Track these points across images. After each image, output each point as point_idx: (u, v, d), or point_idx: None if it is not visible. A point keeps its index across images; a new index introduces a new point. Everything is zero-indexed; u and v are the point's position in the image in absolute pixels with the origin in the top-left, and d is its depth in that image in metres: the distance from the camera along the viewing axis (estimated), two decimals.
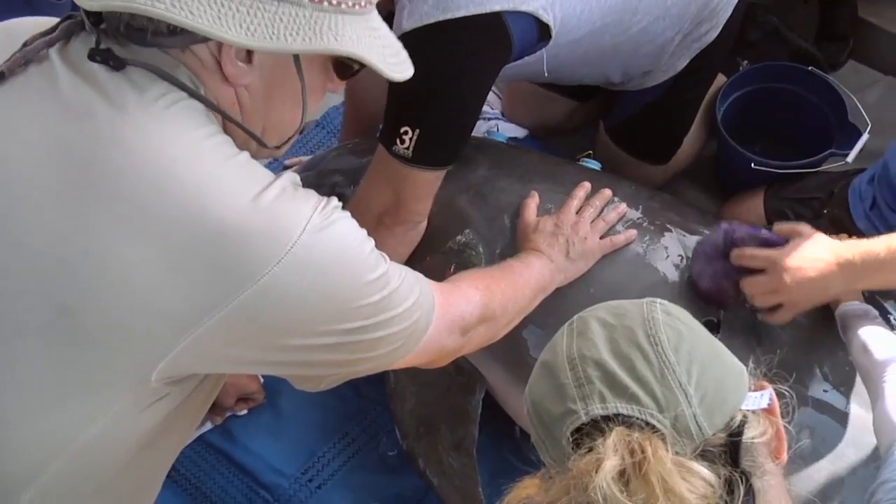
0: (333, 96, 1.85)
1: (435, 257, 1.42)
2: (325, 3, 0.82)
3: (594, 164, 1.57)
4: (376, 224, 1.33)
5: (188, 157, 0.81)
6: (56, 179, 0.81)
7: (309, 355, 0.89)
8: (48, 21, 0.88)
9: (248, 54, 0.85)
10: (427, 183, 1.32)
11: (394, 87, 1.22)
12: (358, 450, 1.50)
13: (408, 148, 1.25)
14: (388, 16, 1.29)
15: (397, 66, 0.90)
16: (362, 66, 0.90)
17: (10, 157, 0.82)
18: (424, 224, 1.40)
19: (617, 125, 1.72)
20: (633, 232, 1.36)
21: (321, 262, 0.84)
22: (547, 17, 1.27)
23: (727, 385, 0.72)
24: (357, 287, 0.88)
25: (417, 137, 1.24)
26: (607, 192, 1.39)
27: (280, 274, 0.81)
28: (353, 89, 1.73)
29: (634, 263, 1.34)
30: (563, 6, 1.29)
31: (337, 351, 0.90)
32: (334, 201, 0.89)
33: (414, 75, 1.20)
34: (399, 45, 0.93)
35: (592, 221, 1.34)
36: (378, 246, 1.25)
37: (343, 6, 0.84)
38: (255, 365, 0.89)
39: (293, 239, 0.81)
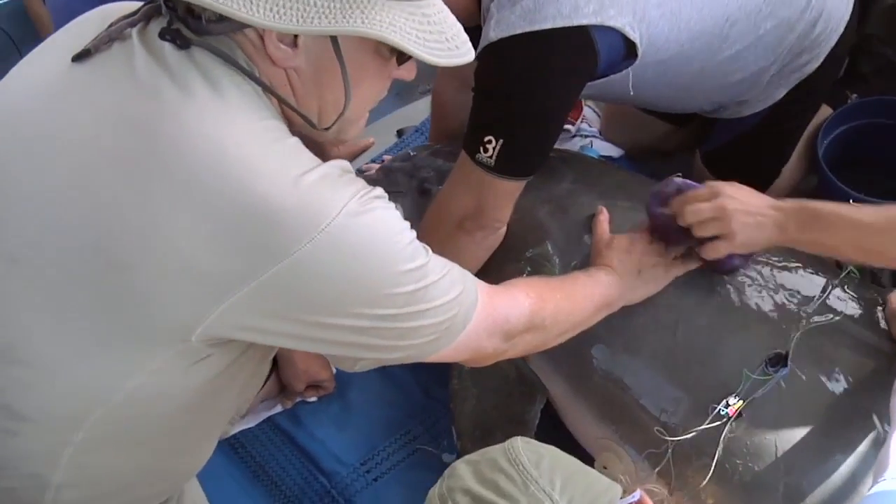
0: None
1: (511, 265, 1.44)
2: None
3: None
4: (457, 227, 1.38)
5: (240, 136, 0.86)
6: (118, 145, 0.87)
7: (339, 335, 0.92)
8: (136, 5, 0.96)
9: (294, 38, 0.89)
10: (508, 191, 1.35)
11: (479, 95, 1.31)
12: (418, 448, 1.52)
13: (491, 157, 1.28)
14: (477, 28, 1.35)
15: (443, 51, 0.91)
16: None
17: (80, 122, 0.90)
18: (503, 231, 1.43)
19: (712, 152, 1.71)
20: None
21: (355, 245, 0.87)
22: (633, 35, 1.28)
23: (596, 489, 0.79)
24: (390, 275, 0.91)
25: (501, 147, 1.27)
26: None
27: (313, 251, 0.85)
28: (439, 96, 1.78)
29: (701, 286, 1.31)
30: (650, 25, 1.30)
31: (368, 334, 0.93)
32: (377, 191, 0.92)
33: (499, 85, 1.28)
34: (456, 32, 0.93)
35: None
36: (457, 249, 1.35)
37: None
38: (287, 338, 0.92)
39: (328, 219, 0.85)
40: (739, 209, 1.20)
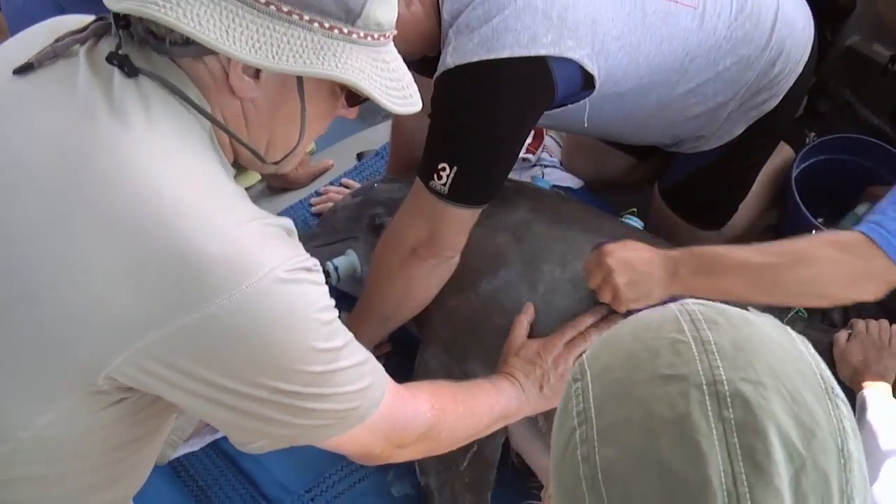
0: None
1: (462, 297, 1.46)
2: (336, 31, 0.87)
3: (636, 222, 1.60)
4: (410, 254, 1.39)
5: (175, 176, 0.85)
6: (46, 168, 0.85)
7: (237, 401, 0.89)
8: (88, 19, 0.94)
9: (257, 71, 0.90)
10: (462, 220, 1.37)
11: (435, 122, 1.32)
12: (365, 476, 1.52)
13: (444, 184, 1.30)
14: (425, 61, 1.38)
15: (400, 99, 0.94)
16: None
17: (13, 140, 0.88)
18: (457, 259, 1.44)
19: (670, 187, 1.75)
20: None
21: (272, 312, 0.85)
22: (592, 67, 1.32)
23: None
24: (303, 350, 0.89)
25: (455, 174, 1.29)
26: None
27: (228, 308, 0.82)
28: (399, 125, 1.79)
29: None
30: (608, 58, 1.33)
31: (265, 406, 0.90)
32: (310, 263, 0.90)
33: (453, 112, 1.29)
34: (410, 81, 0.97)
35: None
36: (409, 276, 1.40)
37: (354, 36, 0.88)
38: (187, 395, 0.88)
39: (252, 279, 0.83)
40: (621, 268, 1.25)
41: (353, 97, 0.97)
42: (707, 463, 0.53)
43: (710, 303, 0.62)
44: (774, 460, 0.53)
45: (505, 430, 1.43)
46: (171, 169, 0.85)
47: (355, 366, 0.95)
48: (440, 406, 1.12)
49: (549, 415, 1.33)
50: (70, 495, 1.00)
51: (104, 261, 0.82)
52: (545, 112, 1.37)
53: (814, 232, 1.53)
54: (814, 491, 0.53)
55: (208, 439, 1.56)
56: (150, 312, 0.82)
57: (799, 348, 0.60)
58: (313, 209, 1.93)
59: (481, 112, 1.29)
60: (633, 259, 1.26)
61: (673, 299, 0.70)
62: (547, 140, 2.08)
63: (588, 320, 1.36)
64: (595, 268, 1.29)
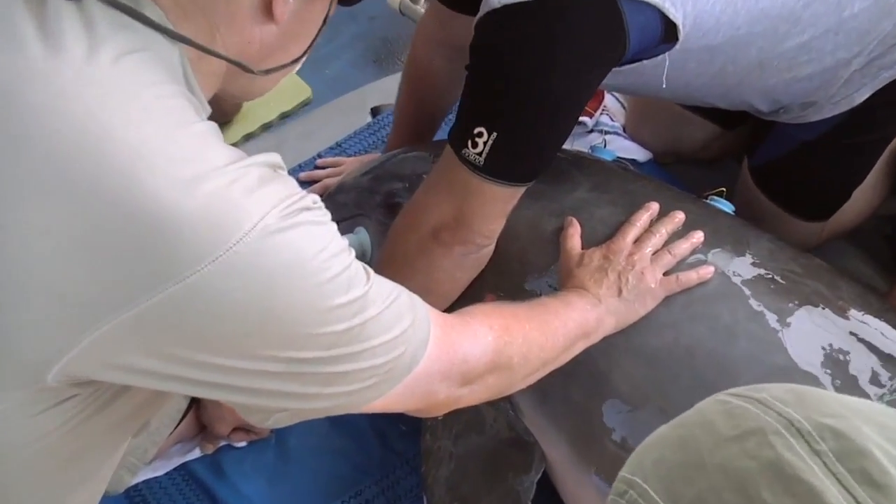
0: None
1: (499, 296, 1.42)
2: None
3: (725, 206, 1.54)
4: (431, 238, 1.36)
5: (129, 114, 0.81)
6: None
7: (244, 380, 0.87)
8: None
9: None
10: (499, 200, 1.32)
11: (473, 75, 1.27)
12: None
13: (480, 153, 1.25)
14: None
15: None
16: None
17: None
18: (491, 249, 1.40)
19: (764, 165, 1.71)
20: (710, 268, 1.33)
21: (270, 271, 0.83)
22: (675, 14, 1.26)
23: None
24: (316, 311, 0.86)
25: (494, 142, 1.24)
26: (679, 217, 1.38)
27: (213, 275, 0.80)
28: (418, 63, 1.76)
29: (754, 336, 1.30)
30: (696, 3, 1.27)
31: (282, 380, 0.88)
32: (309, 199, 0.88)
33: (498, 63, 1.25)
34: None
35: (655, 253, 1.34)
36: (429, 265, 1.39)
37: None
38: (177, 382, 0.87)
39: (238, 235, 0.80)
40: None
41: None
42: (824, 499, 0.54)
43: (748, 388, 0.65)
44: (893, 475, 0.55)
45: (543, 460, 1.40)
46: (124, 105, 0.81)
47: (387, 308, 0.93)
48: (502, 325, 1.11)
49: (609, 474, 1.29)
50: None
51: (46, 229, 0.78)
52: (613, 69, 1.30)
53: None
54: None
55: (177, 461, 1.56)
56: (111, 290, 0.79)
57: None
58: (300, 178, 1.94)
59: (532, 64, 1.23)
60: None
61: None
62: (608, 100, 2.04)
63: (644, 215, 1.39)
64: None
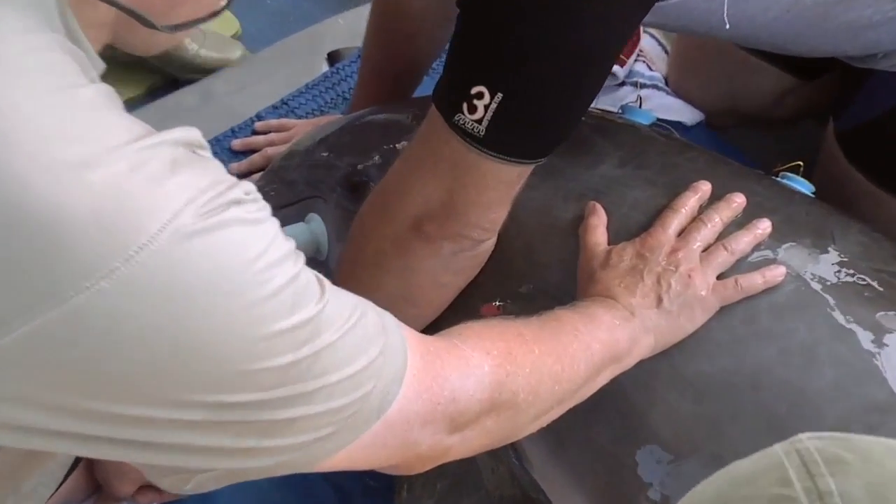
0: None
1: (498, 308, 1.34)
2: None
3: (802, 185, 1.43)
4: (410, 231, 1.26)
5: None
6: None
7: (154, 434, 0.81)
8: None
9: None
10: (502, 181, 1.21)
11: (468, 18, 1.18)
12: None
13: (479, 121, 1.14)
14: None
15: None
16: None
17: None
18: (491, 245, 1.30)
19: (856, 129, 1.62)
20: (780, 269, 1.23)
21: (184, 288, 0.76)
22: None
23: None
24: (250, 340, 0.79)
25: (498, 106, 1.13)
26: (738, 200, 1.29)
27: (106, 295, 0.73)
28: (393, 9, 1.69)
29: (841, 360, 1.20)
30: None
31: (207, 433, 0.82)
32: (240, 190, 0.80)
33: (504, 4, 1.16)
34: None
35: (707, 249, 1.25)
36: (407, 267, 1.32)
37: None
38: (60, 439, 0.80)
39: (140, 241, 0.74)
40: None
41: None
42: None
43: (835, 435, 0.66)
44: None
45: None
46: None
47: (350, 330, 0.87)
48: (503, 350, 1.04)
49: None
50: None
51: None
52: (657, 3, 1.18)
53: None
54: None
55: None
56: None
57: None
58: (234, 147, 1.88)
59: (549, 5, 1.11)
60: None
61: None
62: (645, 42, 1.97)
63: (692, 198, 1.31)
64: None
